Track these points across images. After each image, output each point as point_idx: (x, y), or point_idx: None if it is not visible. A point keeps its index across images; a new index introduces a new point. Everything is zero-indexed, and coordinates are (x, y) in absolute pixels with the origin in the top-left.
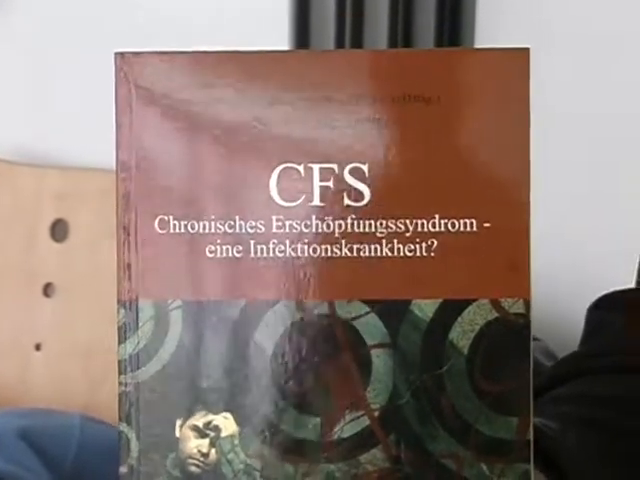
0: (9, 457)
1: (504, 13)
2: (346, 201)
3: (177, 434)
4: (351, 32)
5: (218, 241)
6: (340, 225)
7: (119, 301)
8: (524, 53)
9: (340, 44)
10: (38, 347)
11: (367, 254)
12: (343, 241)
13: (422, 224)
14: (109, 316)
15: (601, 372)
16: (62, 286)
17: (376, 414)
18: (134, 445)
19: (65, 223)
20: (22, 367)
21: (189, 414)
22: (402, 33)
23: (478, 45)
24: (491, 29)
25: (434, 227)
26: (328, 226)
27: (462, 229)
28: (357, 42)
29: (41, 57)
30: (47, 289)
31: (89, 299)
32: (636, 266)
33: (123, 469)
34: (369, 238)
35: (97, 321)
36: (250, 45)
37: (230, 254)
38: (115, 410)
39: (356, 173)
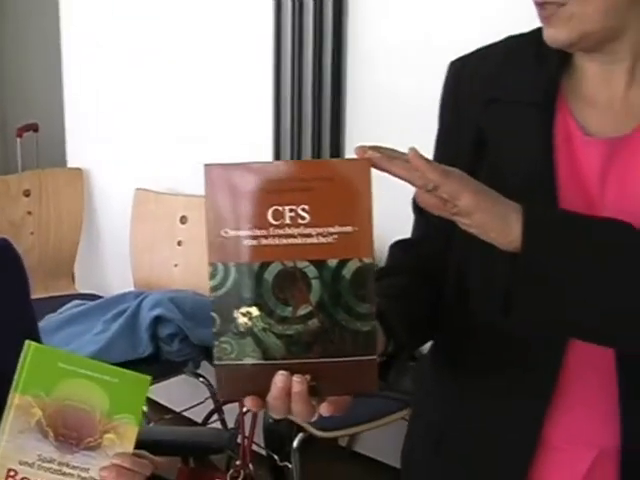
0: (165, 308)
1: None
2: (299, 221)
3: (235, 314)
4: None
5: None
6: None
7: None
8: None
9: None
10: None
11: (303, 241)
12: (299, 238)
13: (328, 230)
14: None
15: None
16: None
17: (314, 304)
18: (217, 318)
19: None
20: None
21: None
22: None
23: None
24: None
25: (333, 230)
26: (292, 233)
27: (343, 231)
28: None
29: None
30: None
31: None
32: None
33: (214, 330)
34: (306, 236)
35: None
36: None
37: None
38: None
39: (304, 210)
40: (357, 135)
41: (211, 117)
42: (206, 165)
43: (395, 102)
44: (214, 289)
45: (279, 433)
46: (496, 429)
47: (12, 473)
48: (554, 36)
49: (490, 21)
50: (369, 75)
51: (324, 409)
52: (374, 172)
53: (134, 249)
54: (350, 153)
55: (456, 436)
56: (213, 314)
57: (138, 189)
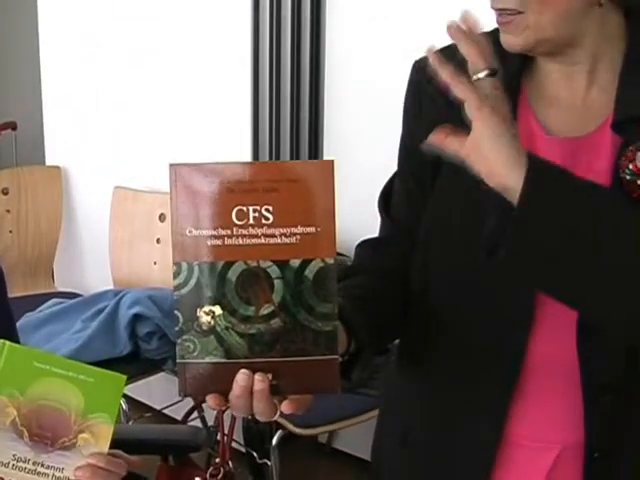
0: (144, 306)
1: None
2: (263, 221)
3: (198, 313)
4: None
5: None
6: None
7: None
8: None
9: None
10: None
11: (267, 241)
12: (262, 238)
13: (291, 230)
14: None
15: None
16: None
17: (276, 304)
18: (180, 316)
19: None
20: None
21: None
22: None
23: None
24: None
25: (296, 231)
26: (256, 233)
27: (306, 232)
28: None
29: None
30: None
31: None
32: None
33: (176, 328)
34: (270, 236)
35: None
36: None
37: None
38: None
39: (267, 211)
40: (335, 134)
41: (189, 116)
42: (171, 165)
43: (373, 100)
44: (177, 288)
45: (258, 430)
46: (459, 426)
47: None
48: (511, 42)
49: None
50: (347, 73)
51: (285, 407)
52: (340, 174)
53: (113, 247)
54: (328, 152)
55: (421, 433)
56: (176, 312)
57: (117, 187)
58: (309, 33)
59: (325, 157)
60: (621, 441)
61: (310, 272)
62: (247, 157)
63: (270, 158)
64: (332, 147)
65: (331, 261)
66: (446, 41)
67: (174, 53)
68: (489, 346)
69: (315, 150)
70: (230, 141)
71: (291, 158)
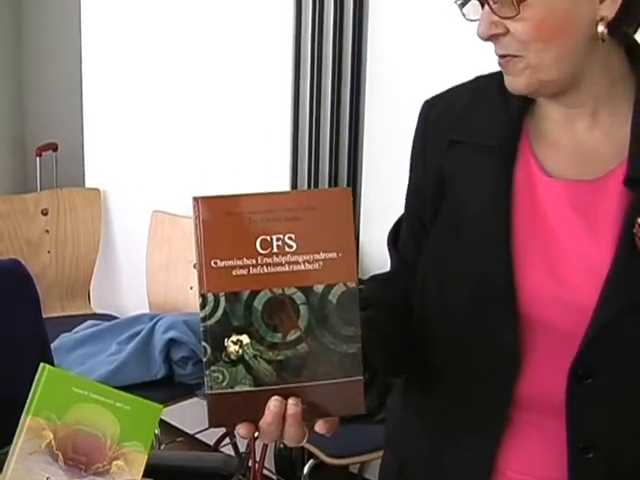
0: (179, 331)
1: None
2: (286, 249)
3: (226, 343)
4: None
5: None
6: (282, 260)
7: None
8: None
9: None
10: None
11: (291, 269)
12: (286, 265)
13: (314, 257)
14: None
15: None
16: None
17: (302, 329)
18: (207, 347)
19: None
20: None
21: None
22: None
23: None
24: None
25: (319, 257)
26: (280, 261)
27: (328, 257)
28: None
29: None
30: None
31: None
32: None
33: (204, 359)
34: (293, 263)
35: None
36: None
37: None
38: None
39: (290, 239)
40: (374, 163)
41: (229, 142)
42: (194, 197)
43: (412, 123)
44: (204, 319)
45: (290, 459)
46: (452, 458)
47: None
48: (513, 84)
49: None
50: (387, 97)
51: (319, 427)
52: (367, 198)
53: (150, 271)
54: (367, 178)
55: (416, 464)
56: (204, 343)
57: (155, 211)
58: (350, 58)
59: (364, 186)
60: None
61: (334, 296)
62: (286, 185)
63: (309, 186)
64: (371, 176)
65: (353, 285)
66: (484, 62)
67: (217, 78)
68: (480, 380)
69: (354, 179)
70: (270, 168)
71: (329, 186)
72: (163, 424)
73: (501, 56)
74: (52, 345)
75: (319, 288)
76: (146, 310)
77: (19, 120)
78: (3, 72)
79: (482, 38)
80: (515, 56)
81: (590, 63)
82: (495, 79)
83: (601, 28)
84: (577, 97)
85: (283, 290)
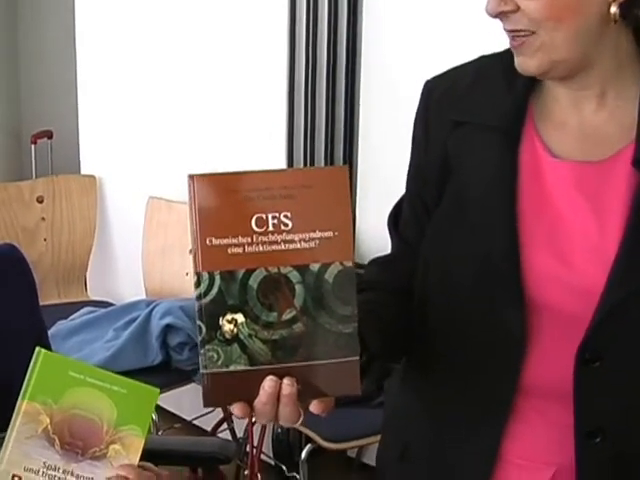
0: (175, 317)
1: None
2: (282, 227)
3: (220, 322)
4: None
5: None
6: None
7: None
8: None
9: None
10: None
11: (286, 247)
12: (282, 244)
13: (310, 236)
14: None
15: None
16: None
17: (298, 308)
18: (202, 326)
19: None
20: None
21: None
22: None
23: None
24: None
25: (315, 235)
26: (276, 240)
27: (324, 236)
28: None
29: None
30: None
31: None
32: None
33: (199, 338)
34: (289, 242)
35: None
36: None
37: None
38: None
39: (286, 217)
40: (370, 141)
41: (224, 125)
42: (189, 175)
43: (410, 103)
44: (199, 297)
45: (287, 444)
46: (456, 443)
47: (17, 479)
48: (525, 64)
49: None
50: (383, 80)
51: (314, 407)
52: (363, 178)
53: (146, 257)
54: (363, 161)
55: (419, 448)
56: (198, 322)
57: (151, 197)
58: (345, 37)
59: (360, 165)
60: (616, 470)
61: (330, 275)
62: (282, 166)
63: (305, 166)
64: (367, 155)
65: (349, 264)
66: (484, 45)
67: (210, 62)
68: (484, 364)
69: (350, 157)
70: (265, 150)
71: (325, 165)
72: (160, 410)
73: (512, 33)
74: (49, 332)
75: (315, 267)
76: (142, 296)
77: (14, 108)
78: None
79: (491, 15)
80: (527, 34)
81: (601, 45)
82: (499, 59)
83: (614, 9)
84: (586, 79)
85: (279, 269)
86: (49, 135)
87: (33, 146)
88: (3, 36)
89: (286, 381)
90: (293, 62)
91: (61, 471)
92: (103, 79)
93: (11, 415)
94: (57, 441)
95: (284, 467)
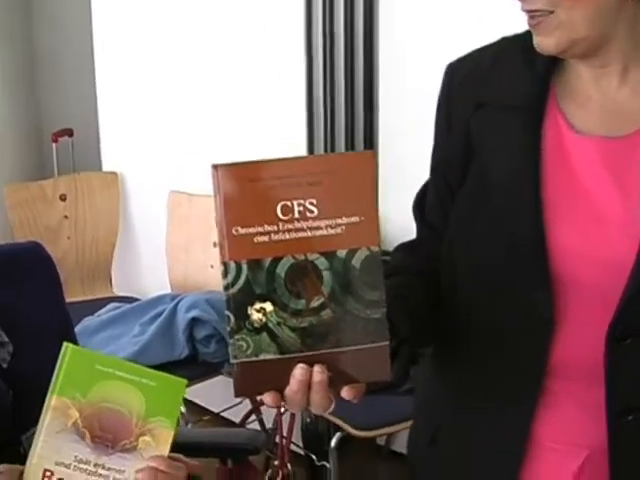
0: (201, 310)
1: None
2: (307, 214)
3: (249, 311)
4: None
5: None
6: (304, 225)
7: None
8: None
9: None
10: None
11: (313, 234)
12: (308, 231)
13: (336, 222)
14: None
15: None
16: None
17: (326, 295)
18: (230, 316)
19: None
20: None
21: (253, 302)
22: None
23: None
24: None
25: (341, 221)
26: (302, 227)
27: (350, 222)
28: None
29: None
30: None
31: None
32: None
33: (227, 328)
34: (315, 228)
35: None
36: None
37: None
38: None
39: (311, 204)
40: (389, 130)
41: (244, 117)
42: (213, 165)
43: (431, 87)
44: (227, 287)
45: (317, 433)
46: (487, 427)
47: (48, 474)
48: (543, 44)
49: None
50: (402, 68)
51: (346, 393)
52: (389, 168)
53: (170, 251)
54: (383, 145)
55: (450, 433)
56: (227, 312)
57: (172, 191)
58: (362, 21)
59: (380, 152)
60: None
61: (357, 261)
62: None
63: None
64: (387, 142)
65: (376, 249)
66: (502, 30)
67: (229, 55)
68: (513, 346)
69: (371, 146)
70: (285, 141)
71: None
72: (189, 403)
73: (530, 13)
74: (75, 329)
75: (342, 253)
76: (167, 290)
77: (34, 108)
78: (16, 62)
79: None
80: (545, 13)
81: (619, 22)
82: (520, 40)
83: None
84: (606, 56)
85: (305, 256)
86: (70, 133)
87: (54, 145)
88: (21, 35)
89: (317, 368)
90: (310, 53)
91: (92, 464)
92: (122, 76)
93: (41, 410)
94: (87, 435)
95: (314, 456)
